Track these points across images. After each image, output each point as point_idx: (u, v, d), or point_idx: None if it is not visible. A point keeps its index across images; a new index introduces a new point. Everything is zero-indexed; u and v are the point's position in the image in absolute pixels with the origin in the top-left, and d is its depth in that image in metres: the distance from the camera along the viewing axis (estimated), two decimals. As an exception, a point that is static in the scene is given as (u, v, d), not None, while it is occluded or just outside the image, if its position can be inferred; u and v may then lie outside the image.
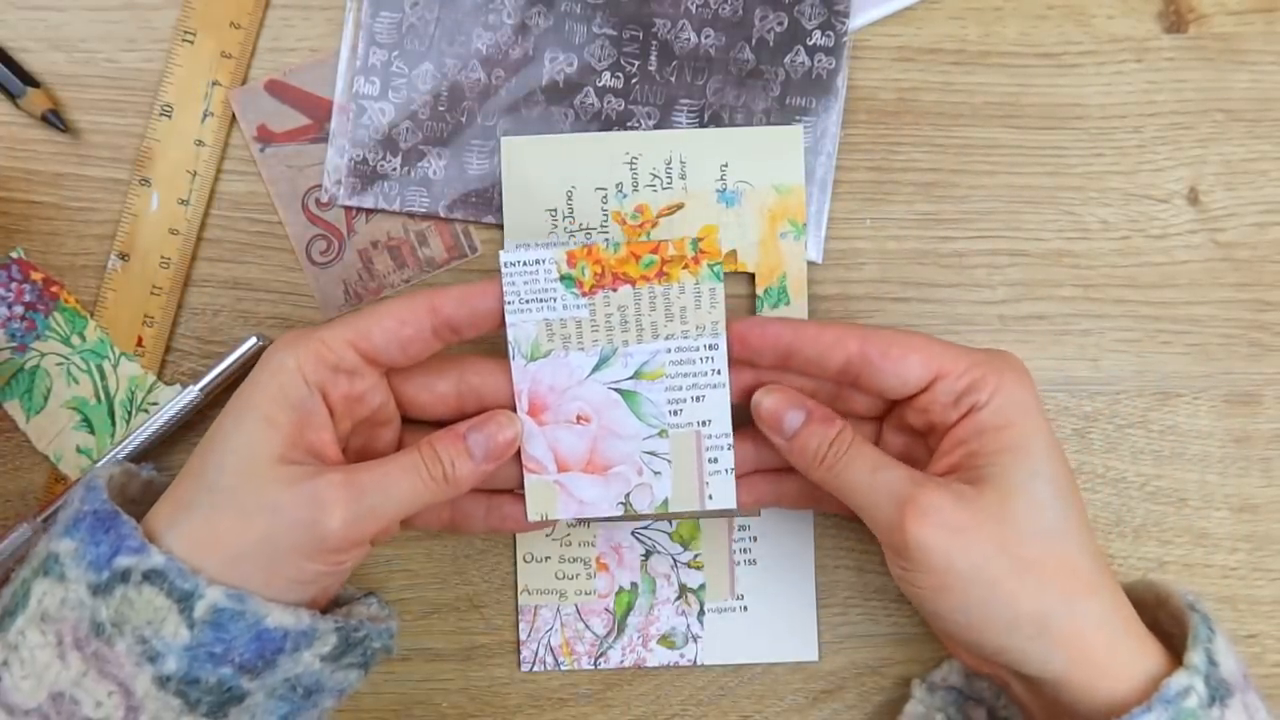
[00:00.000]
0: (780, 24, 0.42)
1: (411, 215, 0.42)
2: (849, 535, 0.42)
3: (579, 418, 0.37)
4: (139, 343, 0.41)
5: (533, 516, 0.38)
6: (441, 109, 0.42)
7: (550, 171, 0.42)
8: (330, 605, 0.37)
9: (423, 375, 0.37)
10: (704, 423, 0.37)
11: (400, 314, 0.35)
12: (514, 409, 0.37)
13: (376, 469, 0.34)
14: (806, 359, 0.36)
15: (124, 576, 0.32)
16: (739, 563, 0.42)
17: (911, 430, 0.37)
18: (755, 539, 0.41)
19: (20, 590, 0.33)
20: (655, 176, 0.42)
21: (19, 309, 0.41)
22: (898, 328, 0.37)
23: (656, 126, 0.42)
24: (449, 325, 0.35)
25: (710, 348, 0.37)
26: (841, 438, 0.35)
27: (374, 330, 0.35)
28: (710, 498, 0.38)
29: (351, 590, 0.39)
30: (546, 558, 0.42)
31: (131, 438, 0.40)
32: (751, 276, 0.42)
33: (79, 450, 0.41)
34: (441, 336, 0.36)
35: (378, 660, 0.36)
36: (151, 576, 0.32)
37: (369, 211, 0.42)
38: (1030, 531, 0.33)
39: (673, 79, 0.42)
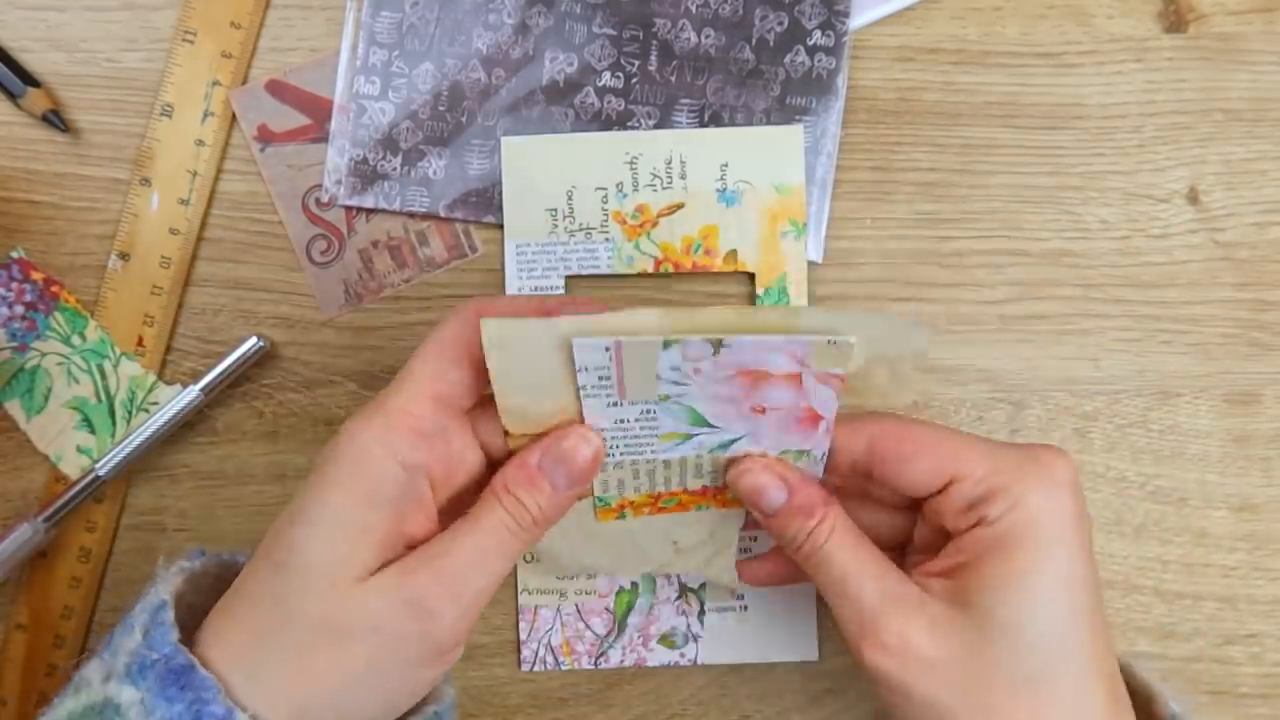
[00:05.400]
0: (780, 24, 0.42)
1: (412, 215, 0.42)
2: (849, 535, 0.42)
3: None
4: (139, 342, 0.41)
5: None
6: (442, 109, 0.42)
7: (550, 171, 0.42)
8: None
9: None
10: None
11: (458, 335, 0.31)
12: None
13: (467, 546, 0.30)
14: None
15: None
16: (739, 562, 0.42)
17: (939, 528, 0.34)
18: (755, 538, 0.41)
19: None
20: (655, 176, 0.42)
21: (19, 309, 0.41)
22: (921, 422, 0.33)
23: (657, 126, 0.42)
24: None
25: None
26: (819, 530, 0.32)
27: (448, 371, 0.31)
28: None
29: None
30: (547, 557, 0.42)
31: (132, 437, 0.40)
32: (751, 276, 0.42)
33: (79, 450, 0.41)
34: None
35: None
36: None
37: (369, 211, 0.42)
38: (1004, 678, 0.30)
39: (673, 79, 0.42)
